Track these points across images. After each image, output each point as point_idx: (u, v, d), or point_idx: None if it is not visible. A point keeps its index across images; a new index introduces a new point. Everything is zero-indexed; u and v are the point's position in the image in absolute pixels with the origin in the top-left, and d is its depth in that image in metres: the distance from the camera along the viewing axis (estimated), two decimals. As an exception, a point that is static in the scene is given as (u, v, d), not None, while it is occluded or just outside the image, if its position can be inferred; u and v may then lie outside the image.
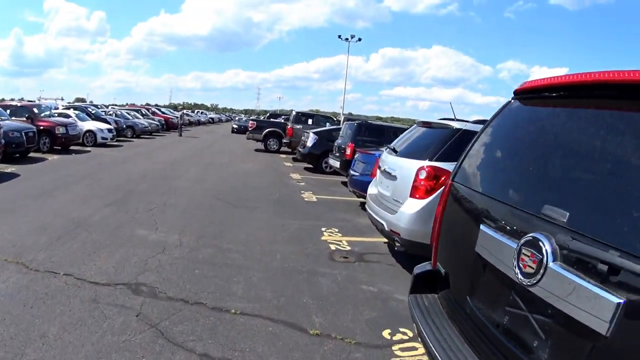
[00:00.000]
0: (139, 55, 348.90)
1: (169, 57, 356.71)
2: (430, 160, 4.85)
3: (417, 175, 4.81)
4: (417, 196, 4.77)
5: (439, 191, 4.64)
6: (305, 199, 9.75)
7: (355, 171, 8.68)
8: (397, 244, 4.93)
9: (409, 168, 5.03)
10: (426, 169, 4.76)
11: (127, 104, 53.14)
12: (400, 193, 5.08)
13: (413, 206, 4.78)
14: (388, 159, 5.74)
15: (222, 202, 8.61)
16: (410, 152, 5.42)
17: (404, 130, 12.61)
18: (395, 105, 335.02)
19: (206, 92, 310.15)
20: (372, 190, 6.25)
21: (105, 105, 35.51)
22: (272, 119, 25.99)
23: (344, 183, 10.86)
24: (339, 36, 41.78)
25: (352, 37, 41.53)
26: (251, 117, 28.44)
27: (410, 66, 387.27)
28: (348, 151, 11.10)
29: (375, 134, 12.34)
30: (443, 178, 4.65)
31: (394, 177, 5.30)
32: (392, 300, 4.45)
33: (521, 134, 2.29)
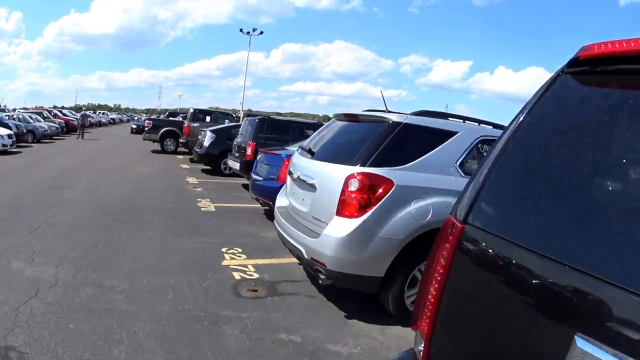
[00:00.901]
0: (49, 57, 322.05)
1: (78, 58, 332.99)
2: (363, 165, 3.76)
3: (345, 186, 3.71)
4: (347, 214, 3.67)
5: (376, 206, 3.63)
6: (202, 209, 8.43)
7: (257, 175, 7.41)
8: (322, 277, 3.83)
9: (333, 177, 3.91)
10: (358, 178, 3.68)
11: (35, 107, 48.69)
12: (322, 209, 3.95)
13: (342, 227, 3.67)
14: (302, 163, 4.57)
15: (111, 217, 7.22)
16: (334, 155, 4.32)
17: (313, 125, 11.79)
18: (295, 101, 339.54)
19: (110, 92, 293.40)
20: (281, 201, 4.96)
21: (11, 109, 32.87)
22: (170, 118, 24.64)
23: (246, 186, 9.64)
24: (241, 30, 40.68)
25: (254, 30, 40.68)
26: (148, 117, 26.43)
27: (311, 61, 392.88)
28: (249, 151, 9.78)
29: (279, 130, 11.22)
30: (381, 189, 3.65)
31: (312, 188, 4.15)
32: (325, 355, 3.40)
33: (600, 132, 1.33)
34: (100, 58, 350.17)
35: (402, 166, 3.74)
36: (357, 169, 3.69)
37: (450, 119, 4.56)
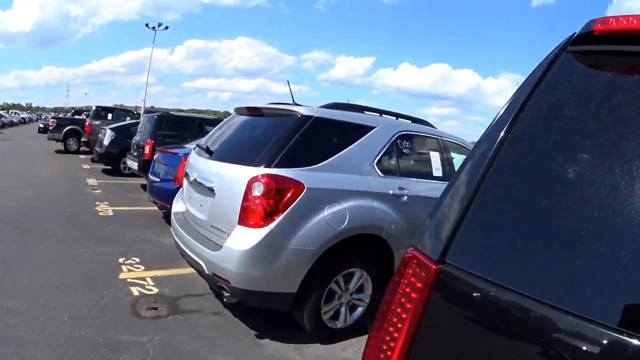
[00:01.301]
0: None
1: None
2: (268, 166, 3.23)
3: (248, 190, 3.19)
4: (251, 223, 3.15)
5: (284, 213, 3.15)
6: (100, 213, 7.68)
7: (154, 176, 6.69)
8: (226, 294, 3.31)
9: (234, 179, 3.36)
10: (262, 181, 3.16)
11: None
12: (223, 217, 3.41)
13: (246, 239, 3.14)
14: (199, 164, 3.98)
15: (11, 226, 6.38)
16: (235, 155, 3.77)
17: (214, 121, 11.02)
18: (197, 97, 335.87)
19: (24, 90, 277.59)
20: (178, 206, 4.36)
21: None
22: (75, 117, 23.52)
23: (145, 186, 8.87)
24: (147, 25, 38.78)
25: (159, 25, 38.99)
26: (52, 116, 24.85)
27: (213, 57, 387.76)
28: (147, 149, 8.92)
29: (179, 127, 10.40)
30: (290, 193, 3.17)
31: (210, 192, 3.59)
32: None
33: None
34: (16, 56, 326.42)
35: (313, 166, 3.29)
36: (262, 170, 3.16)
37: (366, 112, 4.19)
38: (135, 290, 4.27)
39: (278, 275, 3.10)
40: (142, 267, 4.95)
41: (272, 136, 3.42)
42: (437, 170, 4.45)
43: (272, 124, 3.67)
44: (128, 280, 4.53)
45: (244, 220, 3.11)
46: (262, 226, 3.03)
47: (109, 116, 17.90)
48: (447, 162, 4.61)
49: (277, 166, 3.15)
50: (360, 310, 3.70)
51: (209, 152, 3.90)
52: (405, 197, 3.84)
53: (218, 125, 4.55)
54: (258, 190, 3.06)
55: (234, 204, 3.18)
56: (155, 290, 4.32)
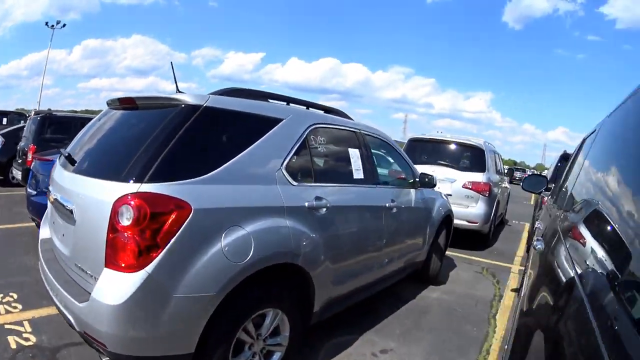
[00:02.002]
0: None
1: None
2: (139, 180, 2.41)
3: (114, 216, 2.38)
4: (123, 264, 2.34)
5: (166, 249, 2.33)
6: None
7: (31, 188, 5.61)
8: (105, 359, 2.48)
9: (95, 201, 2.55)
10: (132, 203, 2.35)
11: None
12: (87, 254, 2.59)
13: (116, 288, 2.32)
14: (60, 179, 3.13)
15: None
16: (99, 165, 2.94)
17: None
18: (91, 98, 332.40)
19: None
20: (45, 232, 3.42)
21: None
22: None
23: None
24: (46, 23, 39.27)
25: (58, 23, 39.46)
26: None
27: (108, 57, 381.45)
28: (29, 156, 7.60)
29: (65, 129, 9.54)
30: (171, 219, 2.36)
31: (70, 218, 2.76)
32: None
33: None
34: None
35: (202, 177, 2.55)
36: (130, 187, 2.37)
37: (270, 100, 3.55)
38: (12, 341, 3.48)
39: (167, 334, 2.39)
40: (20, 307, 4.15)
41: (147, 137, 2.61)
42: (357, 172, 3.95)
43: (148, 120, 2.87)
44: (5, 326, 3.73)
45: (112, 260, 2.35)
46: (136, 269, 2.29)
47: (4, 121, 16.59)
48: (368, 161, 4.15)
49: (152, 180, 2.38)
50: (277, 356, 3.11)
51: (72, 162, 2.95)
52: (324, 210, 3.30)
53: (87, 125, 3.53)
54: (127, 217, 2.28)
55: (98, 237, 2.42)
56: (33, 338, 3.52)
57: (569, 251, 1.65)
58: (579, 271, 1.37)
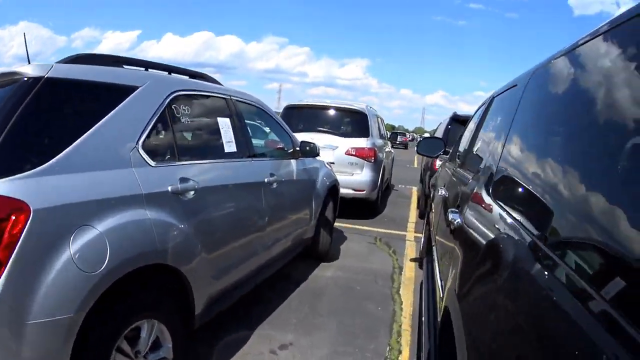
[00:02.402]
0: None
1: None
2: None
3: None
4: None
5: (9, 265, 1.85)
6: None
7: None
8: None
9: None
10: None
11: None
12: None
13: None
14: None
15: None
16: None
17: None
18: None
19: None
20: None
21: None
22: None
23: None
24: None
25: None
26: None
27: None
28: None
29: None
30: (9, 226, 1.86)
31: None
32: None
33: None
34: None
35: (41, 167, 2.08)
36: None
37: (126, 66, 3.09)
38: None
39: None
40: None
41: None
42: (229, 144, 3.61)
43: None
44: None
45: None
46: None
47: None
48: (241, 131, 3.84)
49: None
50: (163, 371, 2.84)
51: None
52: (192, 193, 2.92)
53: None
54: None
55: None
56: None
57: (502, 217, 1.65)
58: (516, 237, 1.39)
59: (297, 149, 4.94)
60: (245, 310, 4.16)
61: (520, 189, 1.69)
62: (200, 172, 3.05)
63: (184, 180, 2.83)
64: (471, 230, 2.01)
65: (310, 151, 5.08)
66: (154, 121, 2.76)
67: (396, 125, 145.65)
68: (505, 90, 2.94)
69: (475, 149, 3.29)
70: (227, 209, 3.38)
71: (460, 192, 2.90)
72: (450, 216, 2.46)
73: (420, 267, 5.77)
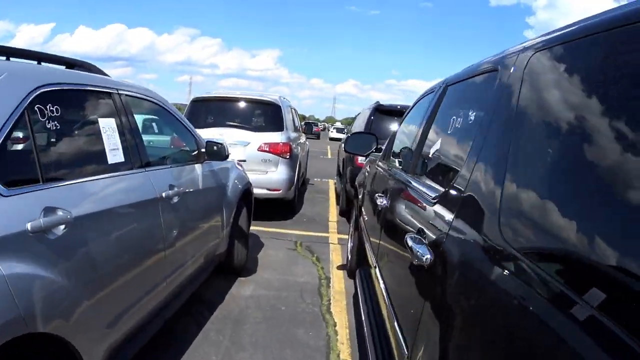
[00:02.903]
0: None
1: None
2: None
3: None
4: None
5: None
6: None
7: None
8: None
9: None
10: None
11: None
12: None
13: None
14: None
15: None
16: None
17: None
18: None
19: None
20: None
21: None
22: None
23: None
24: None
25: None
26: None
27: None
28: None
29: None
30: None
31: None
32: None
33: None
34: None
35: None
36: None
37: None
38: None
39: None
40: None
41: None
42: (114, 153, 2.83)
43: None
44: None
45: None
46: None
47: None
48: (131, 135, 3.08)
49: None
50: None
51: None
52: (62, 228, 2.13)
53: None
54: None
55: None
56: None
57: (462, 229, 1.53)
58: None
59: (203, 150, 4.16)
60: (155, 351, 3.32)
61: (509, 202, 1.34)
62: (73, 196, 2.28)
63: (49, 211, 2.05)
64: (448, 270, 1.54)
65: (218, 153, 4.32)
66: (7, 130, 1.97)
67: (307, 115, 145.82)
68: (470, 78, 2.36)
69: (432, 150, 2.64)
70: (115, 241, 2.61)
71: (419, 211, 2.27)
72: (411, 243, 1.89)
73: (350, 276, 5.28)
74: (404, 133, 3.96)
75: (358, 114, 11.61)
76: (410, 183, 2.67)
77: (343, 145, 5.08)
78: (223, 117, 8.06)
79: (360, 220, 4.60)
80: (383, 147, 4.58)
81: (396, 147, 4.00)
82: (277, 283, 5.08)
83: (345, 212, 8.46)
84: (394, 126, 7.28)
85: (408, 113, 4.17)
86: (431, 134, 2.78)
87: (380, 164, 4.25)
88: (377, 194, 3.60)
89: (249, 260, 5.51)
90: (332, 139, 42.95)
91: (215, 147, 4.28)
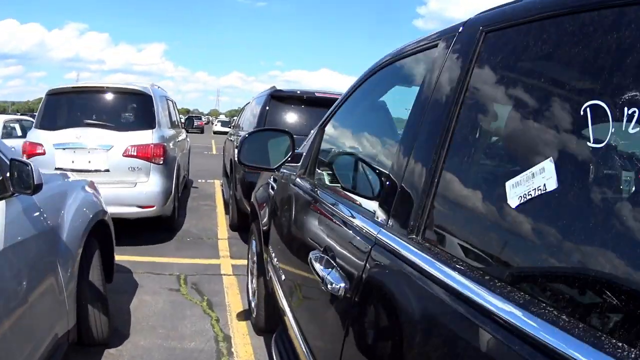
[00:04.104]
0: None
1: None
2: None
3: None
4: None
5: None
6: None
7: None
8: None
9: None
10: None
11: None
12: None
13: None
14: None
15: None
16: None
17: None
18: None
19: None
20: None
21: None
22: None
23: None
24: None
25: None
26: None
27: None
28: None
29: None
30: None
31: None
32: None
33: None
34: None
35: None
36: None
37: None
38: None
39: None
40: None
41: None
42: None
43: None
44: None
45: None
46: None
47: None
48: None
49: None
50: None
51: None
52: None
53: None
54: None
55: None
56: None
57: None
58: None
59: (7, 175, 2.32)
60: None
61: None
62: None
63: None
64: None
65: (22, 181, 2.40)
66: None
67: (192, 109, 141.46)
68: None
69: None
70: None
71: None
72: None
73: (258, 332, 3.82)
74: (334, 132, 2.65)
75: (246, 104, 10.06)
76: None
77: (235, 152, 3.66)
78: (82, 113, 6.37)
79: (268, 267, 3.13)
80: (302, 154, 2.89)
81: (325, 155, 2.61)
82: (159, 355, 3.45)
83: (237, 228, 7.02)
84: (294, 117, 6.28)
85: (339, 106, 2.59)
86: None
87: (299, 181, 2.70)
88: (303, 241, 2.24)
89: (120, 313, 3.95)
90: (216, 132, 41.25)
91: (17, 172, 2.38)
